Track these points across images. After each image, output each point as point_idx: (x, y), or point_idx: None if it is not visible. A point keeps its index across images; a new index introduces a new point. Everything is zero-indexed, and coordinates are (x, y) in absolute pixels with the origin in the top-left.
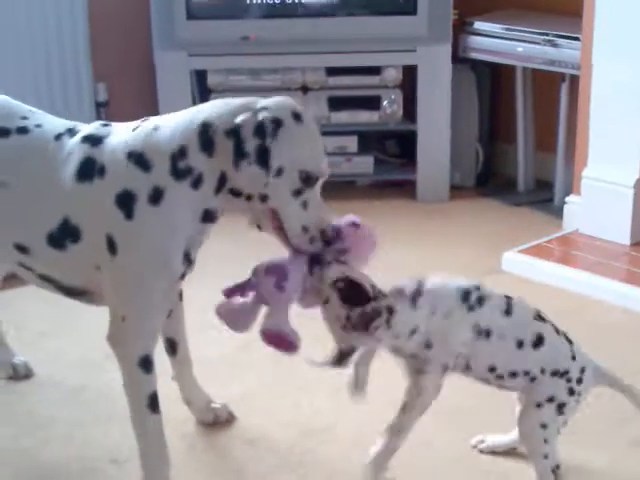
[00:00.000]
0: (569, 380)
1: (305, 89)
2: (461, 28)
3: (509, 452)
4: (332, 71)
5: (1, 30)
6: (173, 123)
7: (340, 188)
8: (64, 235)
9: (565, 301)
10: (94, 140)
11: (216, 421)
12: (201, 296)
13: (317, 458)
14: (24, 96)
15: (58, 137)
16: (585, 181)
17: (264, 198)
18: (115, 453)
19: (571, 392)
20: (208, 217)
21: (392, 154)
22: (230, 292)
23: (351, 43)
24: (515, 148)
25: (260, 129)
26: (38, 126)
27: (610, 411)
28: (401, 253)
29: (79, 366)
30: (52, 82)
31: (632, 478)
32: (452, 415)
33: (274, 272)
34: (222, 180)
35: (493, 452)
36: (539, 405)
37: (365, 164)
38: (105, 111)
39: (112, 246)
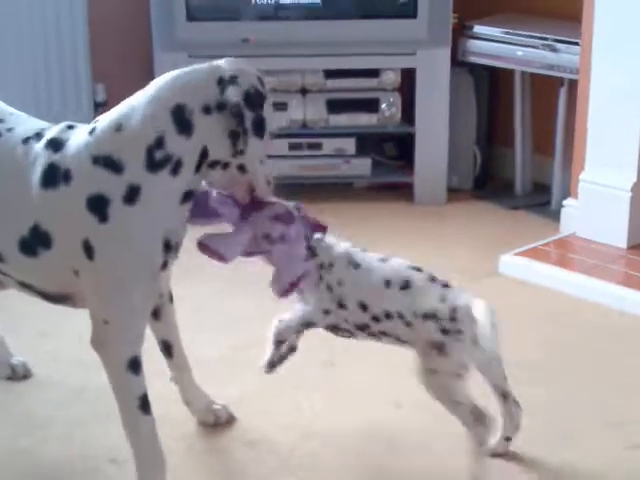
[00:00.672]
0: (438, 320)
1: (304, 91)
2: (460, 32)
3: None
4: (331, 73)
5: (1, 30)
6: (137, 115)
7: (338, 190)
8: (35, 241)
9: (562, 304)
10: (56, 145)
11: (217, 422)
12: (196, 296)
13: (317, 461)
14: (23, 96)
15: (26, 141)
16: (582, 184)
17: (242, 166)
18: (114, 453)
19: (444, 331)
20: (187, 198)
21: (390, 156)
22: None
23: (350, 46)
24: (513, 151)
25: (250, 101)
26: (9, 130)
27: (607, 414)
28: (398, 255)
29: (78, 366)
30: (51, 82)
31: None
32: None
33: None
34: (203, 156)
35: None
36: (422, 354)
37: (363, 166)
38: (103, 111)
39: (89, 251)
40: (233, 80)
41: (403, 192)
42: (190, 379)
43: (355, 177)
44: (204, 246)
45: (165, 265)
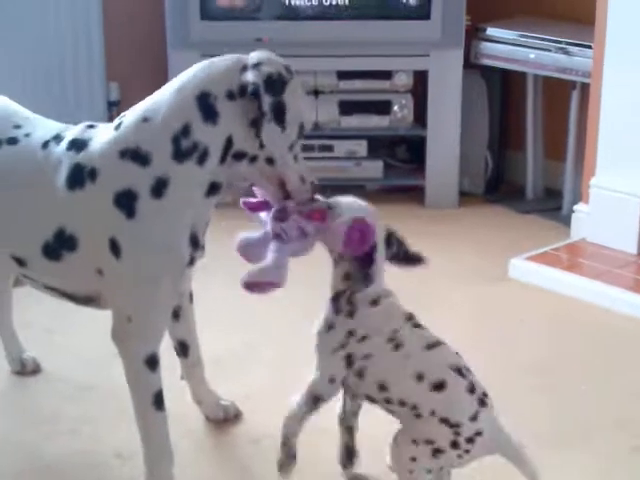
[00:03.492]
0: (457, 433)
1: (316, 92)
2: (473, 34)
3: None
4: (343, 75)
5: (16, 28)
6: (163, 106)
7: (349, 192)
8: (59, 245)
9: (571, 309)
10: (79, 145)
11: (226, 418)
12: (207, 293)
13: (321, 457)
14: (37, 93)
15: (45, 145)
16: (593, 190)
17: (270, 159)
18: (120, 448)
19: (454, 445)
20: (213, 190)
21: (402, 159)
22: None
23: (363, 47)
24: (524, 156)
25: (270, 85)
26: (27, 135)
27: (613, 416)
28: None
29: (87, 363)
30: (65, 81)
31: None
32: None
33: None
34: (228, 146)
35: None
36: (415, 441)
37: (374, 169)
38: (117, 110)
39: (116, 248)
40: (256, 66)
41: (414, 195)
42: (202, 378)
43: (366, 180)
44: (252, 284)
45: (192, 262)
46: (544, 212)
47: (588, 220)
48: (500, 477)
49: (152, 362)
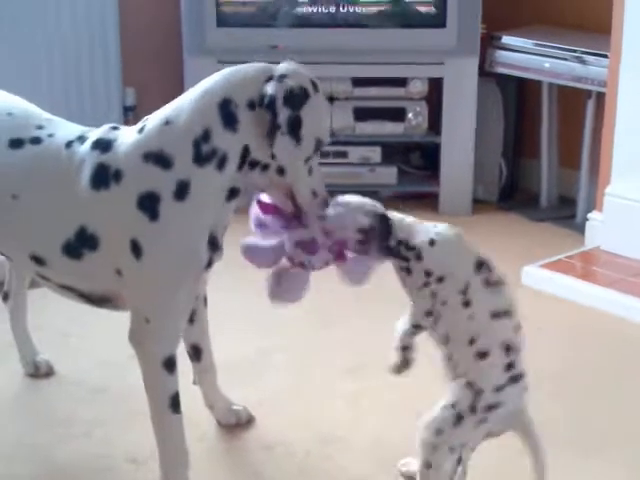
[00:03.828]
0: (477, 398)
1: (331, 99)
2: (489, 42)
3: None
4: (358, 82)
5: (33, 33)
6: (186, 110)
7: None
8: (81, 244)
9: (585, 317)
10: (104, 145)
11: (238, 423)
12: (221, 298)
13: (334, 465)
14: (54, 98)
15: (69, 145)
16: (608, 198)
17: (281, 169)
18: (134, 452)
19: (472, 409)
20: (233, 195)
21: (416, 166)
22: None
23: (379, 54)
24: (539, 164)
25: (290, 99)
26: (50, 135)
27: (628, 427)
28: None
29: (101, 365)
30: (82, 85)
31: None
32: None
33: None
34: (244, 154)
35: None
36: (444, 406)
37: (389, 175)
38: (133, 115)
39: (137, 250)
40: (280, 78)
41: (429, 202)
42: (214, 383)
43: (380, 186)
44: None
45: (210, 264)
46: (558, 220)
47: (602, 228)
48: (500, 477)
49: (170, 364)
